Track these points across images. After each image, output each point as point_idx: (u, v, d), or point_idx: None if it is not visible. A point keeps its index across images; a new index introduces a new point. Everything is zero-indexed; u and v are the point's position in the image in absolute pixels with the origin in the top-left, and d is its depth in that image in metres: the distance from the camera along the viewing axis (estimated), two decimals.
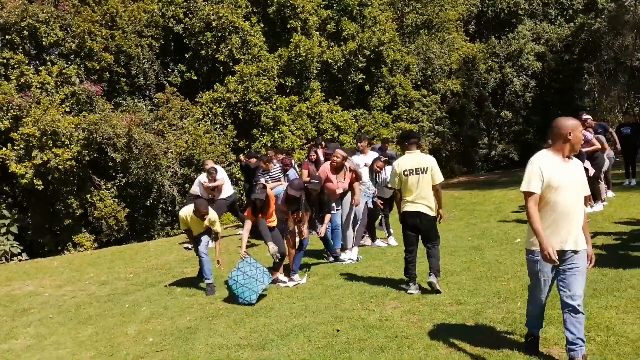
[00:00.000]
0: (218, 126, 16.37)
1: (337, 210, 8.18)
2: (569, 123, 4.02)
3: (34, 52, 13.63)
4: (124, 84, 15.09)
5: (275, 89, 16.98)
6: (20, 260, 12.67)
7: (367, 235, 9.34)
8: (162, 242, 12.82)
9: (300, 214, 7.11)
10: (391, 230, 9.57)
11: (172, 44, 17.11)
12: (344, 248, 8.41)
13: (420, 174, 6.16)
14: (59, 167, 12.07)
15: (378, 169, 8.76)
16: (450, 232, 9.60)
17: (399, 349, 4.68)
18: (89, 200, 13.07)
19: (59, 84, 13.16)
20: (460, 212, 11.92)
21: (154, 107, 14.59)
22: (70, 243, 13.25)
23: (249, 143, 16.76)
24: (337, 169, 7.95)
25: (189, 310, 6.51)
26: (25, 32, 13.04)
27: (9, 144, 12.33)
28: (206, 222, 7.06)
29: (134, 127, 13.25)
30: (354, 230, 8.50)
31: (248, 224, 6.97)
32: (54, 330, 6.41)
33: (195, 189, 10.16)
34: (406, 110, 20.08)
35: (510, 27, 25.31)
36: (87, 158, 12.54)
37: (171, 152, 14.13)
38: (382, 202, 8.94)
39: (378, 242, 9.22)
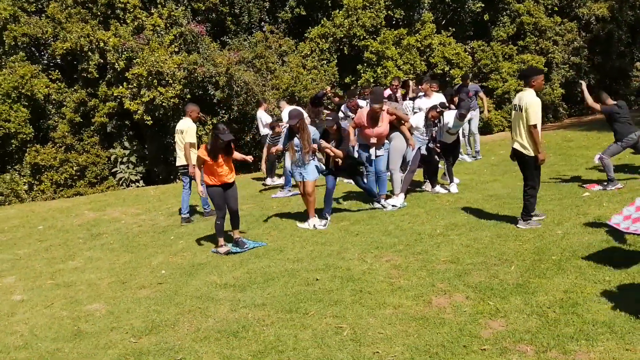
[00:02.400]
0: (325, 62, 16.46)
1: (378, 156, 8.06)
2: None
3: None
4: (230, 23, 15.70)
5: (384, 22, 16.52)
6: (138, 186, 14.26)
7: (428, 181, 9.12)
8: (257, 174, 13.53)
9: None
10: (455, 178, 9.22)
11: None
12: (391, 194, 8.34)
13: (517, 111, 6.24)
14: (163, 104, 13.14)
15: (432, 119, 8.39)
16: (510, 182, 9.04)
17: (351, 304, 4.73)
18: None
19: (168, 25, 14.10)
20: (555, 157, 11.00)
21: (255, 46, 15.02)
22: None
23: (355, 79, 16.70)
24: (372, 117, 7.80)
25: (213, 246, 7.01)
26: None
27: (125, 83, 13.64)
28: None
29: (233, 66, 13.86)
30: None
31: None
32: (103, 256, 7.34)
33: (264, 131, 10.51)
34: (534, 40, 18.40)
35: None
36: (188, 96, 13.46)
37: (270, 89, 14.59)
38: (439, 147, 8.60)
39: (438, 188, 8.92)
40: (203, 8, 14.71)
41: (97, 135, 14.59)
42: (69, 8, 13.78)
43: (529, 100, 6.09)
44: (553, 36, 18.80)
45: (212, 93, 13.86)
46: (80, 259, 7.29)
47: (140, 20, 13.99)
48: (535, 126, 6.07)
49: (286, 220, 7.94)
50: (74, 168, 14.09)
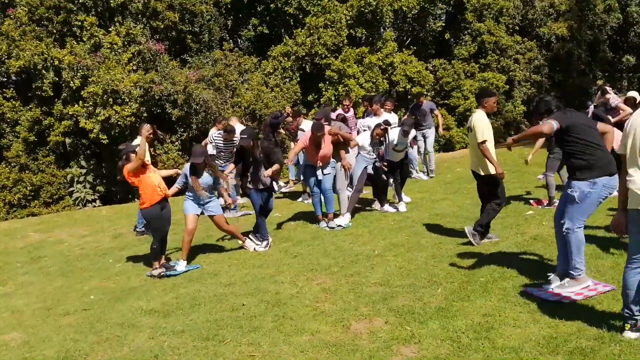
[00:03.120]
0: (287, 80, 16.46)
1: (325, 174, 8.01)
2: None
3: (106, 13, 14.50)
4: (190, 41, 15.65)
5: (346, 40, 16.60)
6: (94, 206, 14.01)
7: (377, 200, 9.09)
8: None
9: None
10: (405, 197, 9.22)
11: None
12: (336, 214, 8.28)
13: (469, 132, 6.39)
14: (119, 122, 12.98)
15: (377, 137, 8.38)
16: (460, 200, 9.08)
17: (269, 331, 4.63)
18: (153, 153, 13.94)
19: (126, 43, 13.97)
20: (510, 175, 11.04)
21: (215, 64, 14.97)
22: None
23: (318, 97, 16.73)
24: (314, 142, 7.77)
25: (146, 271, 6.85)
26: None
27: (80, 102, 13.45)
28: None
29: (192, 84, 13.78)
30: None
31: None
32: (37, 280, 7.14)
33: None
34: (495, 58, 18.65)
35: None
36: (145, 115, 13.32)
37: (231, 107, 14.53)
38: (386, 166, 8.58)
39: (386, 207, 8.90)
40: (162, 26, 14.63)
41: (52, 154, 14.34)
42: (24, 26, 13.59)
43: (476, 119, 6.26)
44: (514, 55, 19.09)
45: (169, 112, 13.73)
46: (12, 285, 7.09)
47: (97, 38, 13.84)
48: (484, 142, 6.14)
49: (227, 242, 7.82)
50: (28, 188, 13.80)
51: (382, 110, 9.75)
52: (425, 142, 11.81)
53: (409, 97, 17.02)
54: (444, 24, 17.80)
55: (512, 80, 19.16)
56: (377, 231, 7.63)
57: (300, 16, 16.78)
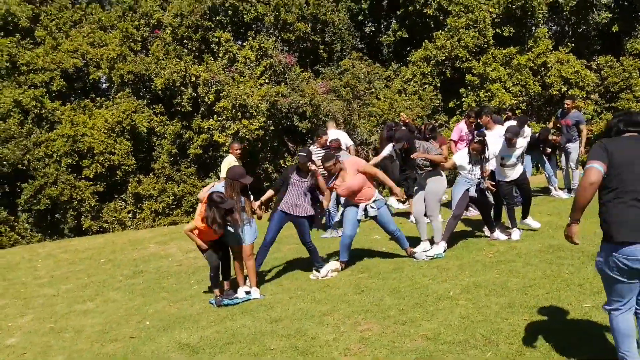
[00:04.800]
0: (427, 86, 15.53)
1: (370, 215, 7.01)
2: None
3: (242, 28, 14.94)
4: (322, 52, 15.47)
5: (492, 41, 15.17)
6: None
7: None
8: None
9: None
10: (531, 221, 7.93)
11: (385, 1, 16.68)
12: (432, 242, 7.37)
13: None
14: (247, 136, 13.23)
15: (475, 152, 7.28)
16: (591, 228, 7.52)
17: None
18: (283, 165, 14.05)
19: (258, 57, 14.24)
20: None
21: (342, 74, 14.60)
22: (272, 203, 14.55)
23: (460, 103, 15.54)
24: (329, 174, 6.95)
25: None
26: (229, 11, 14.41)
27: (215, 116, 14.00)
28: None
29: (319, 95, 13.58)
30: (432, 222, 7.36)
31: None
32: (120, 298, 7.34)
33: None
34: None
35: None
36: (272, 127, 13.42)
37: (359, 118, 14.08)
38: (494, 186, 7.46)
39: (497, 233, 7.70)
40: (293, 38, 14.65)
41: (194, 165, 15.13)
42: (167, 45, 14.52)
43: None
44: None
45: (296, 124, 13.69)
46: (98, 301, 7.35)
47: (231, 54, 14.30)
48: None
49: (301, 270, 7.33)
50: (171, 197, 14.71)
51: (493, 122, 8.52)
52: (567, 157, 10.23)
53: (564, 101, 14.99)
54: (610, 16, 15.40)
55: None
56: (468, 265, 6.59)
57: (441, 17, 15.73)
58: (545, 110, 15.70)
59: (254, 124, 13.29)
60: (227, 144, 13.67)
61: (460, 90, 15.29)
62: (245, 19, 14.45)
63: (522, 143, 7.66)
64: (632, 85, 15.31)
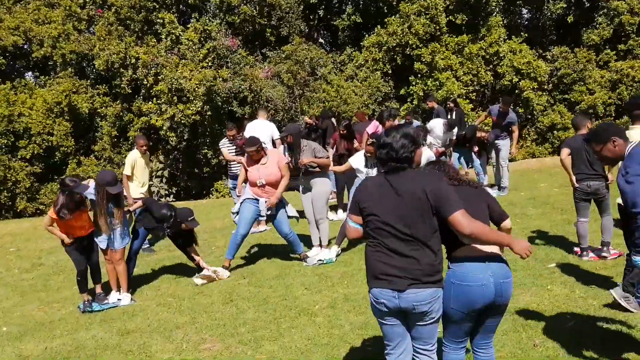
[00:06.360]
0: (377, 73, 15.20)
1: (271, 215, 6.79)
2: None
3: (187, 10, 14.53)
4: (270, 35, 15.07)
5: (444, 28, 14.80)
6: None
7: None
8: None
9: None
10: None
11: None
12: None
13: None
14: (183, 121, 12.93)
15: (371, 154, 7.04)
16: None
17: None
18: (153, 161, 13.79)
19: (202, 40, 13.85)
20: None
21: (289, 58, 14.21)
22: (213, 188, 14.35)
23: (410, 91, 15.24)
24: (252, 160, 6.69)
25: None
26: None
27: (154, 99, 13.68)
28: None
29: (261, 81, 13.26)
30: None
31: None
32: (2, 294, 7.14)
33: None
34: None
35: None
36: (209, 113, 13.11)
37: (302, 105, 13.78)
38: None
39: None
40: (238, 21, 14.24)
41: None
42: (109, 25, 14.10)
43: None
44: None
45: (235, 110, 13.39)
46: None
47: (174, 36, 13.90)
48: None
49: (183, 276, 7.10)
50: None
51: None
52: (498, 154, 9.99)
53: (516, 91, 14.75)
54: (564, 6, 15.03)
55: None
56: (350, 274, 6.38)
57: (395, 3, 15.33)
58: (497, 100, 15.42)
59: (191, 108, 12.98)
60: (164, 128, 13.39)
61: (410, 78, 14.97)
62: (190, 1, 14.02)
63: (427, 154, 7.43)
64: (586, 78, 15.05)
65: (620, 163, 3.55)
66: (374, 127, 9.54)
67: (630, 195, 3.32)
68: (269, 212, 6.74)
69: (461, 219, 2.85)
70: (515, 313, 4.75)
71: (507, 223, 3.34)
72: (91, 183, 6.33)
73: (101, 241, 6.19)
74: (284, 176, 6.75)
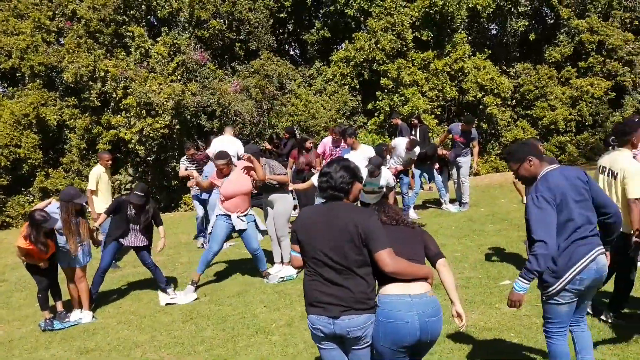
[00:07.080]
0: (345, 87, 15.45)
1: (241, 229, 6.89)
2: None
3: (156, 25, 14.62)
4: (239, 49, 15.25)
5: (411, 44, 15.12)
6: None
7: None
8: None
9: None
10: None
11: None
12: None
13: (610, 177, 4.76)
14: (151, 135, 13.00)
15: None
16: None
17: None
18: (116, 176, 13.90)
19: (171, 54, 13.96)
20: None
21: (257, 73, 14.39)
22: (181, 201, 14.41)
23: (378, 106, 15.52)
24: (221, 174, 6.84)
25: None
26: (143, 5, 14.07)
27: (123, 112, 13.72)
28: None
29: (229, 95, 13.40)
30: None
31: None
32: None
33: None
34: (600, 60, 15.98)
35: None
36: (177, 127, 13.21)
37: (271, 119, 13.96)
38: None
39: None
40: (207, 35, 14.39)
41: None
42: (78, 38, 14.12)
43: (626, 164, 4.59)
44: (626, 56, 16.22)
45: (203, 124, 13.51)
46: None
47: (143, 49, 13.98)
48: (636, 200, 4.51)
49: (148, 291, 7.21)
50: None
51: (357, 143, 8.49)
52: (459, 171, 10.26)
53: (480, 107, 15.15)
54: (527, 24, 15.51)
55: (622, 87, 16.36)
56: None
57: (362, 18, 15.63)
58: (462, 116, 15.83)
59: (160, 122, 13.06)
60: (132, 141, 13.44)
61: (377, 93, 15.26)
62: (159, 15, 14.12)
63: (386, 175, 7.68)
64: (547, 94, 15.52)
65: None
66: (322, 146, 9.74)
67: (534, 221, 3.36)
68: (239, 224, 6.83)
69: (386, 257, 3.04)
70: (460, 332, 4.97)
71: (441, 262, 3.38)
72: (53, 203, 6.42)
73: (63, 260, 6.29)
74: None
